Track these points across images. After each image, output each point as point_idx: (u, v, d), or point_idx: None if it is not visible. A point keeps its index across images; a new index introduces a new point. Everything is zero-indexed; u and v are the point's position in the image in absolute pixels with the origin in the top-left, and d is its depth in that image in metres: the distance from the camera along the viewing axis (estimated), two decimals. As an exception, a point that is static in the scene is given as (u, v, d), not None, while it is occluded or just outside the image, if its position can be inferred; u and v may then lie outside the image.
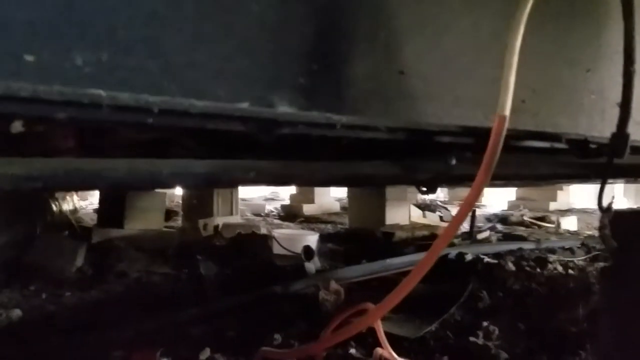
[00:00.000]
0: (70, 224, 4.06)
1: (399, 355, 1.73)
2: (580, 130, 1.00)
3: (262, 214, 6.82)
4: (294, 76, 0.62)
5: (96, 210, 4.86)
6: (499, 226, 5.29)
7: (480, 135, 0.81)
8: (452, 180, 1.27)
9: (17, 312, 2.29)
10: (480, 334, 1.92)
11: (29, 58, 0.46)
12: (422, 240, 3.94)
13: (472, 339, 1.88)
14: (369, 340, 1.83)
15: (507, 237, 3.99)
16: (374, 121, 0.72)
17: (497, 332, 1.94)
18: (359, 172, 0.97)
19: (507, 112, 0.77)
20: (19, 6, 0.47)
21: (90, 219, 4.77)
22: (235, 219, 5.28)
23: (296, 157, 0.89)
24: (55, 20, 0.47)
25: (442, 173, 1.03)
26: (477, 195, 0.85)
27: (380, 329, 1.73)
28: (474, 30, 0.82)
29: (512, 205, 7.18)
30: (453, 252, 2.94)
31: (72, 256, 3.09)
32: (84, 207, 6.11)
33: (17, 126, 0.52)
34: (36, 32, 0.47)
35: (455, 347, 1.85)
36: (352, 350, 1.80)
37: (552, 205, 6.91)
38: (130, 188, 3.46)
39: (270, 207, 7.47)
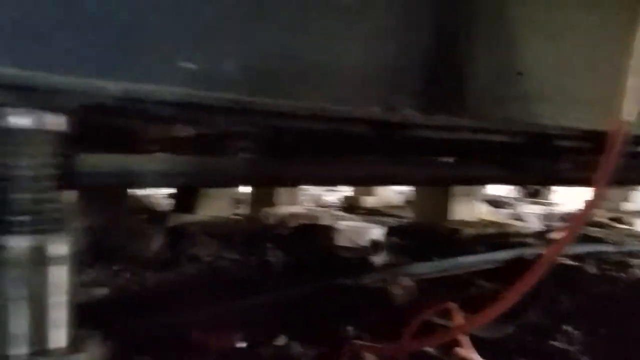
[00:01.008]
0: (147, 208, 4.23)
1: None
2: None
3: (323, 205, 6.84)
4: (416, 79, 0.63)
5: (170, 196, 5.03)
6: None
7: (598, 139, 0.78)
8: (560, 182, 1.23)
9: (102, 291, 2.41)
10: (560, 337, 1.86)
11: (188, 65, 0.48)
12: (492, 237, 3.84)
13: (551, 342, 1.83)
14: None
15: (583, 239, 3.83)
16: (496, 125, 0.71)
17: (577, 336, 1.88)
18: (468, 174, 0.96)
19: (632, 117, 0.74)
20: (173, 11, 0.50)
21: (164, 204, 4.94)
22: (298, 209, 5.34)
23: (399, 156, 0.89)
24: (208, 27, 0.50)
25: (550, 175, 1.01)
26: (595, 203, 0.82)
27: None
28: (594, 29, 0.80)
29: (586, 205, 6.85)
30: (528, 252, 2.86)
31: (150, 239, 3.23)
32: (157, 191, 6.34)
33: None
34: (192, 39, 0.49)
35: (533, 349, 1.80)
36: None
37: (625, 206, 6.57)
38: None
39: (329, 198, 7.46)
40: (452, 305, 1.61)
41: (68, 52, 0.50)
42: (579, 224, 0.95)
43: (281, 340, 1.84)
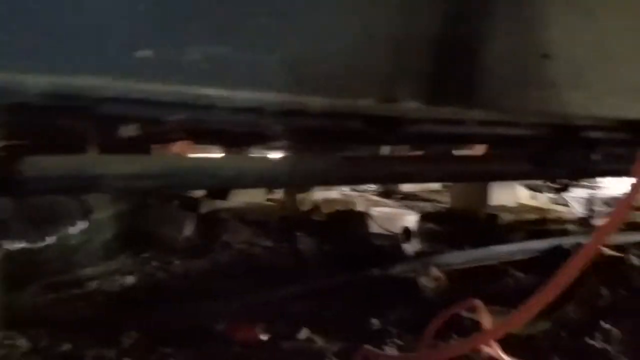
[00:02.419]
0: (179, 194, 4.25)
1: (507, 354, 1.61)
2: None
3: (360, 190, 6.75)
4: (419, 64, 0.55)
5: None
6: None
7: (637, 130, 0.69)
8: (593, 174, 1.13)
9: (130, 279, 2.43)
10: (598, 335, 1.75)
11: (143, 54, 0.43)
12: (531, 224, 3.69)
13: (588, 340, 1.72)
14: (471, 334, 1.73)
15: (628, 226, 3.63)
16: (511, 116, 0.62)
17: (617, 334, 1.77)
18: (491, 168, 0.88)
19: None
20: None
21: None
22: (333, 194, 5.28)
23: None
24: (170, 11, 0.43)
25: (582, 168, 0.91)
26: (633, 198, 0.73)
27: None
28: (637, 5, 0.69)
29: (633, 189, 6.52)
30: (569, 242, 2.72)
31: (182, 225, 3.24)
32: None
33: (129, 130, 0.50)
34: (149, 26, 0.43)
35: (569, 348, 1.70)
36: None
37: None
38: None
39: (366, 182, 7.36)
40: (478, 303, 1.53)
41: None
42: (623, 211, 0.85)
43: (304, 334, 1.80)
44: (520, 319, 0.95)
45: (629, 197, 0.81)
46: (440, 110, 0.55)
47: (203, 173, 0.67)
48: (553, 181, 1.33)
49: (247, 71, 0.47)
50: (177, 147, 2.50)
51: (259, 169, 0.67)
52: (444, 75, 0.58)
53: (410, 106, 0.53)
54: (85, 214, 2.58)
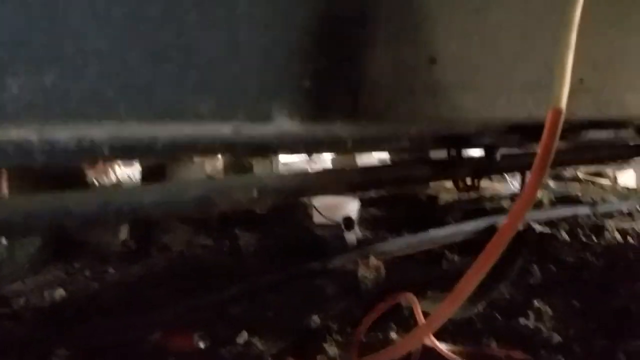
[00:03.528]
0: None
1: (441, 339, 1.63)
2: (651, 110, 0.85)
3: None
4: (295, 78, 0.51)
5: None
6: (551, 183, 5.03)
7: (531, 128, 0.67)
8: (498, 172, 1.13)
9: (60, 292, 2.32)
10: (531, 314, 1.80)
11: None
12: (469, 203, 3.77)
13: (522, 320, 1.76)
14: (410, 323, 1.74)
15: (560, 199, 3.78)
16: (396, 128, 0.59)
17: (549, 311, 1.82)
18: (394, 176, 0.85)
19: (563, 104, 0.63)
20: None
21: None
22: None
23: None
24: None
25: (485, 168, 0.91)
26: (529, 201, 0.73)
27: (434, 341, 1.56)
28: (525, 2, 0.68)
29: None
30: (502, 220, 2.78)
31: (116, 229, 3.11)
32: (131, 175, 6.18)
33: None
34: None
35: (504, 329, 1.74)
36: (393, 334, 1.72)
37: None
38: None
39: (314, 167, 7.35)
40: (410, 297, 1.53)
41: None
42: (533, 189, 0.83)
43: (242, 337, 1.76)
44: (452, 306, 0.94)
45: (536, 176, 0.79)
46: (321, 128, 0.51)
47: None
48: (458, 181, 1.34)
49: (77, 103, 0.41)
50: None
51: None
52: (324, 89, 0.54)
53: (286, 126, 0.49)
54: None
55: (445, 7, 0.62)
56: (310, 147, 0.54)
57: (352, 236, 2.99)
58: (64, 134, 0.42)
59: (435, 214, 3.49)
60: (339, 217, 3.26)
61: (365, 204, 3.90)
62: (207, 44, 0.46)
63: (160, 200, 0.64)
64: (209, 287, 2.22)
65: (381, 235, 3.02)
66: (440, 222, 2.98)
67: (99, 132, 0.42)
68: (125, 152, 0.46)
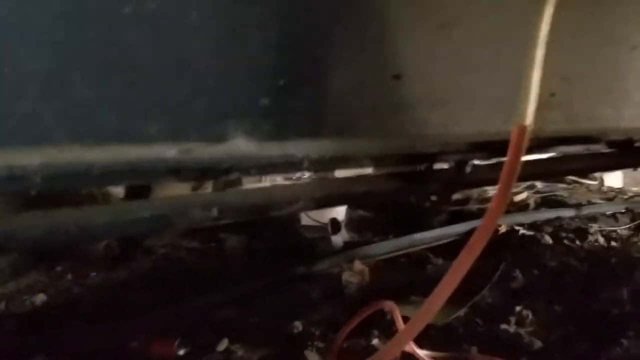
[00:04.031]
0: (93, 196, 4.04)
1: (421, 345, 1.63)
2: (623, 123, 0.84)
3: (293, 178, 6.70)
4: (252, 96, 0.49)
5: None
6: (538, 184, 5.04)
7: (499, 144, 0.67)
8: (468, 186, 1.13)
9: (41, 297, 2.29)
10: (512, 319, 1.80)
11: None
12: (456, 204, 3.76)
13: (503, 326, 1.76)
14: (393, 330, 1.73)
15: (545, 202, 3.78)
16: (356, 147, 0.58)
17: (530, 317, 1.82)
18: (367, 190, 0.84)
19: (528, 121, 0.62)
20: None
21: (116, 192, 4.76)
22: (265, 185, 5.20)
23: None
24: None
25: (455, 181, 0.90)
26: (495, 218, 0.72)
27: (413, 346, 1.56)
28: (493, 13, 0.67)
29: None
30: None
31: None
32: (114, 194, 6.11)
33: None
34: None
35: (485, 335, 1.73)
36: (375, 341, 1.71)
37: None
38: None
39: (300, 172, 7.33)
40: (390, 305, 1.52)
41: None
42: (506, 191, 0.82)
43: (222, 345, 1.75)
44: (430, 311, 0.93)
45: (501, 192, 0.78)
46: (279, 147, 0.50)
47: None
48: (426, 196, 1.34)
49: (12, 127, 0.39)
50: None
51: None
52: (283, 107, 0.53)
53: (242, 146, 0.48)
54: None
55: (410, 22, 0.61)
56: (268, 168, 0.52)
57: (338, 239, 2.98)
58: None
59: (422, 214, 3.49)
60: (327, 218, 3.25)
61: (350, 207, 3.89)
62: (154, 61, 0.44)
63: (111, 220, 0.63)
64: (193, 292, 2.20)
65: (368, 238, 3.01)
66: (427, 224, 2.97)
67: (34, 158, 0.41)
68: (58, 180, 0.44)
